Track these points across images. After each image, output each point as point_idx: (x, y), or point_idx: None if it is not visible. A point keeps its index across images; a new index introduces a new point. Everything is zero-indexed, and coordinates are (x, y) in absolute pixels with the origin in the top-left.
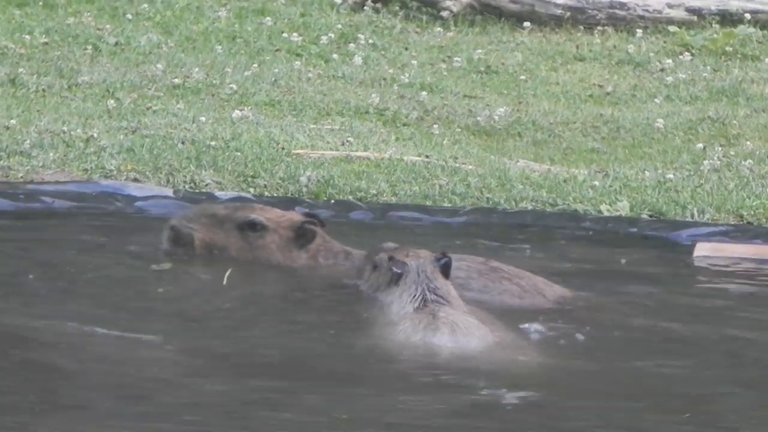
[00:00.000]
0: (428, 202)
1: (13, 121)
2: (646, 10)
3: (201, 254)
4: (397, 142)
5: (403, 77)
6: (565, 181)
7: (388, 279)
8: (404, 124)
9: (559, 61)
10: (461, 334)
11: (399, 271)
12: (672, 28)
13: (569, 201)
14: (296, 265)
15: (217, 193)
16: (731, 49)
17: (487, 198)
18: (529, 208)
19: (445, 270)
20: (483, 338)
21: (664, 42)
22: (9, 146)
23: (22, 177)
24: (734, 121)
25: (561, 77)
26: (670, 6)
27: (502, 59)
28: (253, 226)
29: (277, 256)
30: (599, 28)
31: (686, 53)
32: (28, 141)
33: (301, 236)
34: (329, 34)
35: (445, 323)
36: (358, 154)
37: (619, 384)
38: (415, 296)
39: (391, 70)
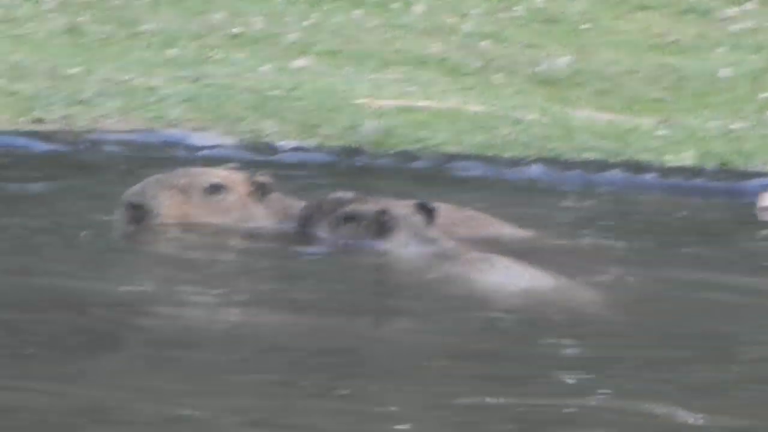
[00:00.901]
0: (491, 153)
1: (75, 70)
2: None
3: (160, 228)
4: (459, 92)
5: (464, 26)
6: (628, 131)
7: (374, 231)
8: (466, 74)
9: (623, 9)
10: (514, 272)
11: (390, 224)
12: None
13: (633, 151)
14: (257, 222)
15: (279, 143)
16: None
17: (550, 148)
18: (592, 158)
19: (429, 219)
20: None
21: None
22: (71, 95)
23: (84, 126)
24: None
25: (624, 26)
26: None
27: (563, 8)
28: (217, 189)
29: (241, 215)
30: None
31: (751, 1)
32: (90, 90)
33: (258, 189)
34: None
35: (491, 264)
36: (420, 104)
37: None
38: (409, 246)
39: (452, 19)
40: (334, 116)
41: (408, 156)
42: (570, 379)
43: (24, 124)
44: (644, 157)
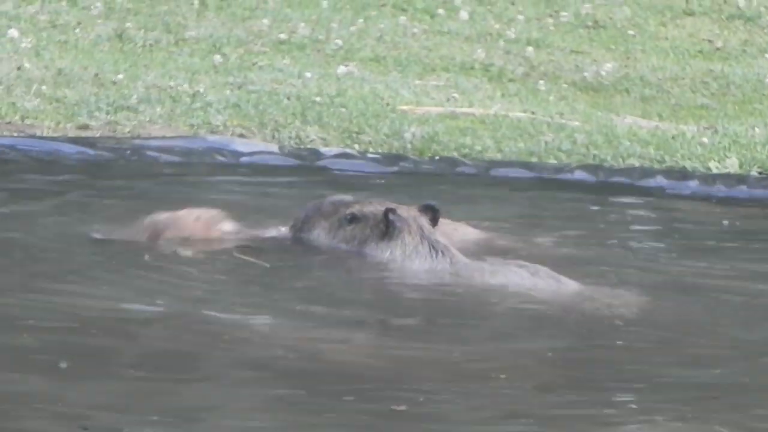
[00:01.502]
0: (533, 159)
1: (120, 76)
2: None
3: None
4: (503, 98)
5: (509, 32)
6: (673, 137)
7: (380, 233)
8: (510, 80)
9: (669, 15)
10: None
11: (399, 225)
12: None
13: (677, 158)
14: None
15: (322, 149)
16: None
17: (594, 155)
18: (636, 165)
19: (434, 222)
20: (561, 279)
21: None
22: (116, 101)
23: (129, 132)
24: None
25: (670, 32)
26: None
27: (610, 13)
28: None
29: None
30: None
31: None
32: (135, 96)
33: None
34: None
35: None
36: (463, 110)
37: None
38: (419, 249)
39: (497, 25)
40: (378, 122)
41: (451, 162)
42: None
43: (69, 130)
44: (688, 163)
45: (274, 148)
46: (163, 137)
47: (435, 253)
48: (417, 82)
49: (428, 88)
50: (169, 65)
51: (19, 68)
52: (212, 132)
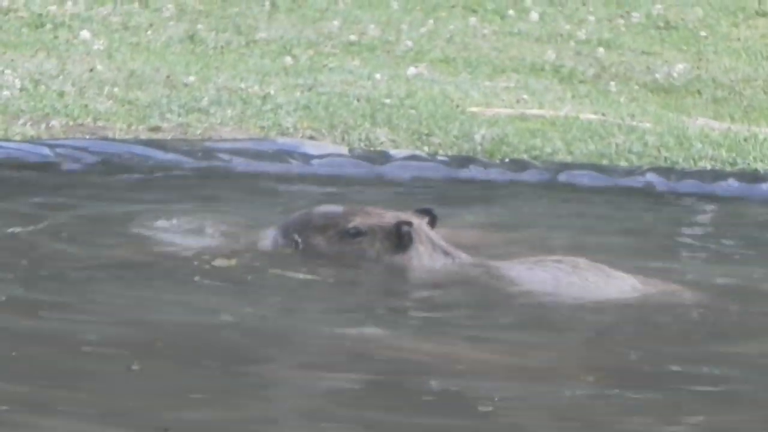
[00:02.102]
0: (604, 161)
1: (191, 78)
2: None
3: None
4: (573, 100)
5: (580, 33)
6: (745, 139)
7: (392, 245)
8: (580, 82)
9: (741, 16)
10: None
11: (414, 236)
12: None
13: (749, 160)
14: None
15: (392, 152)
16: None
17: (665, 157)
18: (708, 167)
19: (431, 226)
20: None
21: None
22: (187, 103)
23: (200, 134)
24: None
25: (742, 33)
26: None
27: (681, 14)
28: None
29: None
30: None
31: None
32: (206, 98)
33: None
34: None
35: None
36: (534, 112)
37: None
38: (434, 257)
39: (567, 26)
40: (447, 124)
41: (520, 165)
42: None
43: (140, 132)
44: (760, 166)
45: (344, 150)
46: (234, 139)
47: (451, 258)
48: (487, 83)
49: (498, 90)
50: (239, 67)
51: (91, 70)
52: (282, 134)
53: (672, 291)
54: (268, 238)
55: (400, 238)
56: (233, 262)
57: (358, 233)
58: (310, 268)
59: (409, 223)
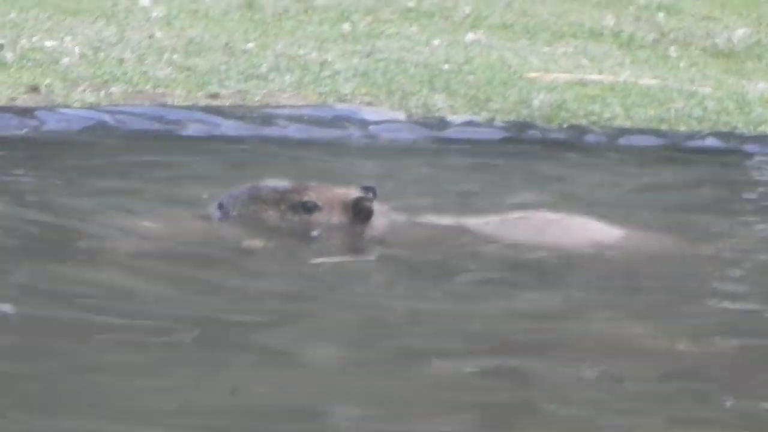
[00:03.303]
0: (663, 126)
1: (250, 45)
2: None
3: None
4: (633, 65)
5: None
6: None
7: (350, 219)
8: (640, 47)
9: None
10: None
11: (371, 207)
12: None
13: None
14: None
15: (449, 117)
16: None
17: (725, 121)
18: None
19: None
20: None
21: None
22: (246, 70)
23: (258, 100)
24: None
25: None
26: None
27: None
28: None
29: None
30: None
31: None
32: (264, 65)
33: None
34: None
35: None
36: (592, 77)
37: None
38: (395, 222)
39: None
40: (505, 90)
41: (579, 130)
42: None
43: (199, 98)
44: None
45: (402, 116)
46: (292, 106)
47: (410, 221)
48: (545, 49)
49: (557, 55)
50: (298, 34)
51: (150, 37)
52: (340, 100)
53: (652, 244)
54: (212, 210)
55: (360, 210)
56: (260, 243)
57: (314, 207)
58: (270, 240)
59: (369, 198)
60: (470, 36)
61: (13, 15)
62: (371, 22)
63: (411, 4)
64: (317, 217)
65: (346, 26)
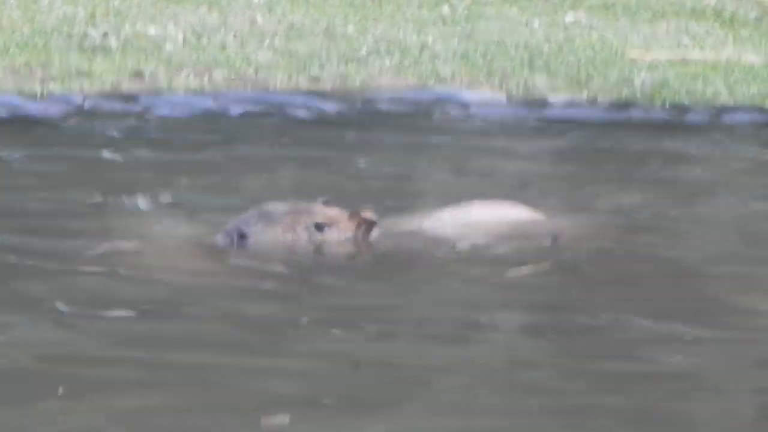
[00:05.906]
0: (766, 104)
1: (350, 29)
2: None
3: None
4: (735, 43)
5: None
6: None
7: (357, 234)
8: (742, 25)
9: None
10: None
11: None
12: None
13: None
14: None
15: (550, 98)
16: None
17: None
18: None
19: None
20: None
21: None
22: (346, 53)
23: (358, 84)
24: None
25: None
26: None
27: None
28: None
29: None
30: None
31: None
32: (364, 48)
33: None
34: None
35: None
36: (694, 56)
37: None
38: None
39: None
40: (606, 70)
41: (681, 108)
42: None
43: (300, 82)
44: None
45: (502, 97)
46: (393, 88)
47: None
48: (646, 28)
49: (658, 34)
50: (397, 17)
51: (252, 22)
52: (440, 82)
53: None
54: (222, 237)
55: (368, 227)
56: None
57: (325, 225)
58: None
59: (373, 222)
60: (570, 16)
61: (116, 2)
62: (470, 5)
63: None
64: (328, 234)
65: (445, 9)
